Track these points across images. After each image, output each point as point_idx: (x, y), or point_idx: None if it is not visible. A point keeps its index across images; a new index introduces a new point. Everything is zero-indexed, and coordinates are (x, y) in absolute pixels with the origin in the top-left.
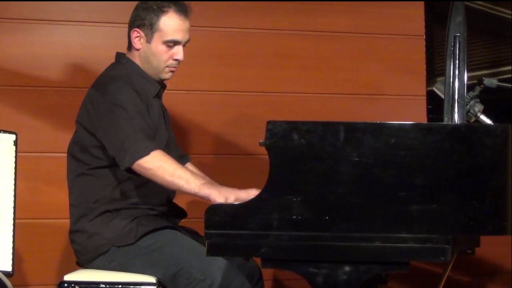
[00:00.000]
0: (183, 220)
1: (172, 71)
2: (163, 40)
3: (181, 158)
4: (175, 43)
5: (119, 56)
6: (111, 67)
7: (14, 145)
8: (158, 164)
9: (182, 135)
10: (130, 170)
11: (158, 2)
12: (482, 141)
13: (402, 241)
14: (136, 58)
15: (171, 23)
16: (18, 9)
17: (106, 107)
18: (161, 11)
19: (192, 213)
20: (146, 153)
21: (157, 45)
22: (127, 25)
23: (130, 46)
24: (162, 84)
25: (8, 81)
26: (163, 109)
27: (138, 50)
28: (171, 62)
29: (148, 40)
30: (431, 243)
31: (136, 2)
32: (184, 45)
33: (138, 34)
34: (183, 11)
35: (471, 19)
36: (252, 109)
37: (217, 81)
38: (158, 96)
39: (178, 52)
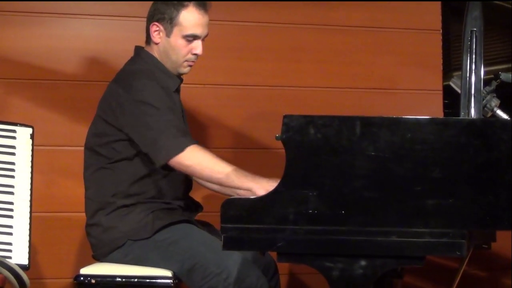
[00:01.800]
0: (199, 214)
1: (190, 66)
2: (183, 35)
3: None
4: (195, 37)
5: (138, 50)
6: (131, 61)
7: (30, 138)
8: (197, 161)
9: (198, 129)
10: (166, 166)
11: None
12: (498, 135)
13: (418, 235)
14: (154, 52)
15: (190, 18)
16: (34, 3)
17: (133, 104)
18: (181, 5)
19: (208, 207)
20: (182, 149)
21: (176, 39)
22: (142, 19)
23: (148, 40)
24: (180, 78)
25: (24, 75)
26: (181, 104)
27: (157, 44)
28: (190, 56)
29: (168, 34)
30: (447, 238)
31: None
32: (203, 40)
33: (158, 28)
34: (203, 6)
35: (488, 13)
36: (268, 103)
37: (232, 75)
38: (178, 90)
39: (197, 46)
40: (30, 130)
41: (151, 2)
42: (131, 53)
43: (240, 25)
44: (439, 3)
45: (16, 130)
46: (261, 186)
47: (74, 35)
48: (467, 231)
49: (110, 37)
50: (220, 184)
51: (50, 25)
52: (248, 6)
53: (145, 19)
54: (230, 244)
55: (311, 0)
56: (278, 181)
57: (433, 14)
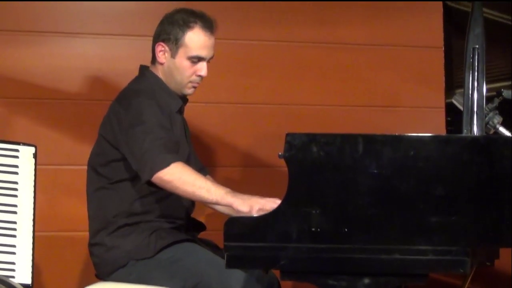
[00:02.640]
0: (202, 233)
1: (194, 87)
2: (188, 56)
3: (200, 171)
4: (200, 59)
5: (143, 69)
6: (135, 80)
7: (33, 157)
8: (178, 176)
9: (200, 147)
10: (151, 183)
11: (184, 16)
12: (501, 152)
13: (421, 253)
14: (159, 72)
15: (196, 39)
16: (37, 22)
17: (128, 122)
18: (187, 26)
19: (211, 225)
20: (166, 165)
21: (181, 60)
22: (145, 37)
23: (154, 60)
24: (184, 99)
25: (27, 94)
26: (185, 123)
27: (162, 64)
28: (194, 78)
29: (173, 55)
30: (450, 255)
31: (152, 13)
32: (208, 61)
33: (163, 48)
34: (209, 27)
35: (490, 30)
36: (271, 121)
37: (235, 92)
38: (180, 111)
39: (202, 68)
40: (33, 149)
41: (154, 21)
42: (134, 72)
43: (243, 43)
44: (441, 20)
45: (19, 149)
46: (242, 202)
47: (77, 54)
48: (470, 248)
49: (113, 56)
50: (201, 200)
51: (53, 44)
52: (251, 24)
53: (148, 38)
54: (233, 262)
55: (314, 16)
56: (260, 197)
57: (435, 31)
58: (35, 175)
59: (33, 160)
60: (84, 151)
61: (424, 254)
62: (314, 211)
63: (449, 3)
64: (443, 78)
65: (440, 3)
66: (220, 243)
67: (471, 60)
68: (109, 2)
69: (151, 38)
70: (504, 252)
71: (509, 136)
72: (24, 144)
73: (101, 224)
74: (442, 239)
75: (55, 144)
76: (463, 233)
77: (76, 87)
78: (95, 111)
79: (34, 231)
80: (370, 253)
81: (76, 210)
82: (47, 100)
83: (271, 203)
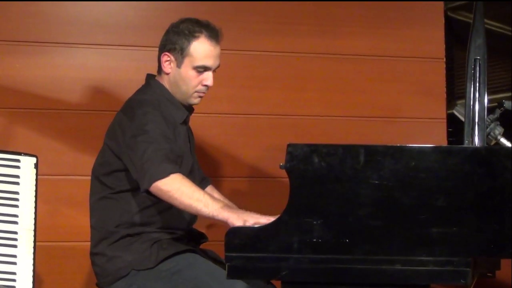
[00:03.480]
0: (203, 244)
1: (200, 97)
2: (193, 66)
3: (202, 181)
4: (205, 68)
5: (149, 79)
6: (141, 90)
7: (34, 168)
8: (176, 187)
9: (202, 158)
10: (150, 192)
11: (190, 26)
12: (502, 163)
13: (422, 264)
14: (165, 82)
15: (202, 49)
16: (39, 33)
17: (132, 132)
18: (192, 36)
19: (212, 236)
20: (165, 175)
21: (187, 70)
22: (146, 48)
23: (159, 70)
24: (189, 108)
25: (28, 104)
26: (189, 134)
27: (167, 74)
28: (200, 87)
29: (178, 65)
30: (452, 266)
31: (152, 24)
32: (214, 71)
33: (168, 58)
34: (214, 37)
35: (492, 42)
36: (272, 132)
37: (237, 103)
38: (186, 122)
39: (208, 78)
40: (34, 160)
41: (154, 32)
42: (135, 82)
43: (244, 54)
44: (442, 31)
45: (20, 159)
46: (238, 217)
47: (78, 64)
48: (471, 259)
49: (114, 66)
50: (198, 213)
51: (54, 54)
52: (253, 35)
53: (148, 49)
54: (235, 273)
55: (316, 27)
56: (257, 214)
57: (437, 42)
58: (36, 185)
59: (34, 170)
60: (85, 161)
61: (425, 265)
62: (315, 222)
63: (450, 14)
64: (445, 89)
65: (442, 14)
66: (222, 254)
67: (472, 71)
68: (110, 12)
69: (152, 49)
70: (505, 262)
71: (511, 147)
72: (25, 154)
73: (103, 234)
74: (443, 250)
75: (57, 154)
76: (465, 244)
77: (77, 98)
78: (96, 121)
79: (35, 241)
80: (371, 264)
81: (77, 220)
82: (48, 110)
83: (265, 219)
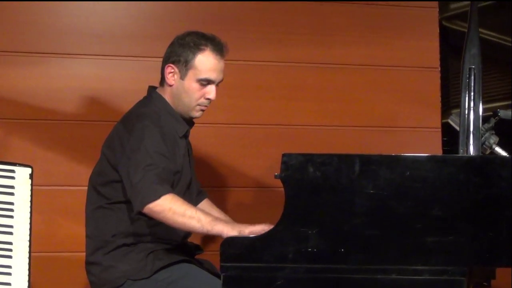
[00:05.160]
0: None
1: (202, 110)
2: (197, 78)
3: (199, 194)
4: (209, 82)
5: (151, 91)
6: (142, 102)
7: (29, 178)
8: (168, 207)
9: (198, 168)
10: (143, 213)
11: (196, 39)
12: (497, 172)
13: (418, 273)
14: (167, 94)
15: (206, 62)
16: (34, 43)
17: (129, 146)
18: (197, 48)
19: (208, 246)
20: (156, 197)
21: (190, 83)
22: (142, 58)
23: (162, 81)
24: (190, 122)
25: (24, 115)
26: (189, 148)
27: (170, 86)
28: (202, 100)
29: (182, 77)
30: (447, 275)
31: (148, 35)
32: (217, 85)
33: (172, 70)
34: (219, 51)
35: (486, 51)
36: (267, 141)
37: (232, 113)
38: (185, 136)
39: (211, 91)
40: (29, 170)
41: (151, 42)
42: (130, 92)
43: (240, 64)
44: (437, 41)
45: (15, 170)
46: (232, 228)
47: (73, 75)
48: (467, 269)
49: (110, 76)
50: (192, 230)
51: (50, 65)
52: (248, 45)
53: (144, 59)
54: (230, 283)
55: (311, 37)
56: (252, 225)
57: (432, 52)
58: (31, 195)
59: (29, 180)
60: (81, 172)
61: (420, 274)
62: (310, 231)
63: (445, 23)
64: (439, 99)
65: (436, 23)
66: (217, 264)
67: (467, 80)
68: (105, 22)
69: (147, 59)
70: (500, 272)
71: (506, 156)
72: (20, 165)
73: (99, 243)
74: (438, 259)
75: (52, 165)
76: (460, 253)
77: (72, 108)
78: (91, 131)
79: (30, 252)
80: (367, 273)
81: (73, 231)
82: (43, 121)
83: (260, 228)
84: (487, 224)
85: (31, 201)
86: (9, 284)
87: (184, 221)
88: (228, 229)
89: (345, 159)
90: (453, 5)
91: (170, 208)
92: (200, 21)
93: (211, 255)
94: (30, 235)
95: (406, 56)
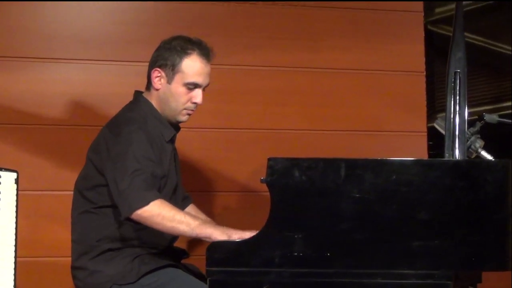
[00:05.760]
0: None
1: (189, 114)
2: (184, 82)
3: (184, 199)
4: (196, 86)
5: (137, 95)
6: (128, 107)
7: (15, 183)
8: (157, 212)
9: (183, 172)
10: (131, 219)
11: (182, 43)
12: (483, 176)
13: (403, 277)
14: (153, 98)
15: (193, 66)
16: (19, 48)
17: (116, 151)
18: (184, 53)
19: (194, 251)
20: (145, 203)
21: (177, 87)
22: (127, 63)
23: (149, 86)
24: (177, 127)
25: (9, 119)
26: (175, 153)
27: (157, 90)
28: (189, 105)
29: (169, 81)
30: (433, 279)
31: (134, 40)
32: (203, 89)
33: (159, 74)
34: (206, 55)
35: (472, 55)
36: (253, 146)
37: (218, 117)
38: (172, 140)
39: (197, 95)
40: (14, 175)
41: (135, 46)
42: (116, 97)
43: (226, 68)
44: (422, 45)
45: (1, 174)
46: (221, 232)
47: (58, 79)
48: (453, 273)
49: (96, 81)
50: (182, 234)
51: (36, 69)
52: (234, 49)
53: (130, 64)
54: (216, 287)
55: (297, 41)
56: (241, 231)
57: (417, 56)
58: (17, 200)
59: (15, 185)
60: (67, 176)
61: (406, 278)
62: (296, 236)
63: (430, 27)
64: (425, 103)
65: (422, 27)
66: (203, 269)
67: (452, 84)
68: (89, 27)
69: (132, 63)
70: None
71: (491, 160)
72: (6, 169)
73: (84, 248)
74: (424, 263)
75: (38, 170)
76: (446, 257)
77: (58, 112)
78: (77, 136)
79: (16, 257)
80: (353, 277)
81: (59, 236)
82: (29, 125)
83: (249, 233)
84: (473, 228)
85: (16, 206)
86: None
87: (173, 225)
88: (217, 233)
89: (331, 163)
90: (438, 9)
91: (159, 213)
92: (186, 26)
93: (197, 260)
94: (15, 240)
95: (392, 60)
